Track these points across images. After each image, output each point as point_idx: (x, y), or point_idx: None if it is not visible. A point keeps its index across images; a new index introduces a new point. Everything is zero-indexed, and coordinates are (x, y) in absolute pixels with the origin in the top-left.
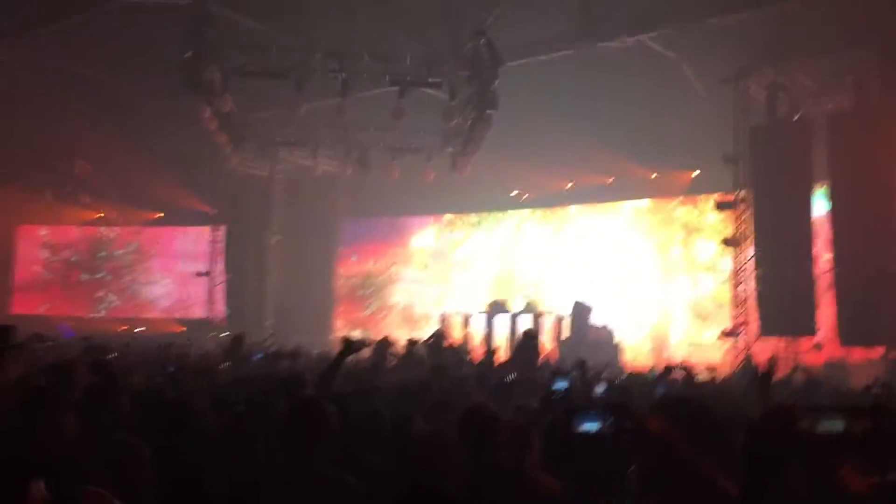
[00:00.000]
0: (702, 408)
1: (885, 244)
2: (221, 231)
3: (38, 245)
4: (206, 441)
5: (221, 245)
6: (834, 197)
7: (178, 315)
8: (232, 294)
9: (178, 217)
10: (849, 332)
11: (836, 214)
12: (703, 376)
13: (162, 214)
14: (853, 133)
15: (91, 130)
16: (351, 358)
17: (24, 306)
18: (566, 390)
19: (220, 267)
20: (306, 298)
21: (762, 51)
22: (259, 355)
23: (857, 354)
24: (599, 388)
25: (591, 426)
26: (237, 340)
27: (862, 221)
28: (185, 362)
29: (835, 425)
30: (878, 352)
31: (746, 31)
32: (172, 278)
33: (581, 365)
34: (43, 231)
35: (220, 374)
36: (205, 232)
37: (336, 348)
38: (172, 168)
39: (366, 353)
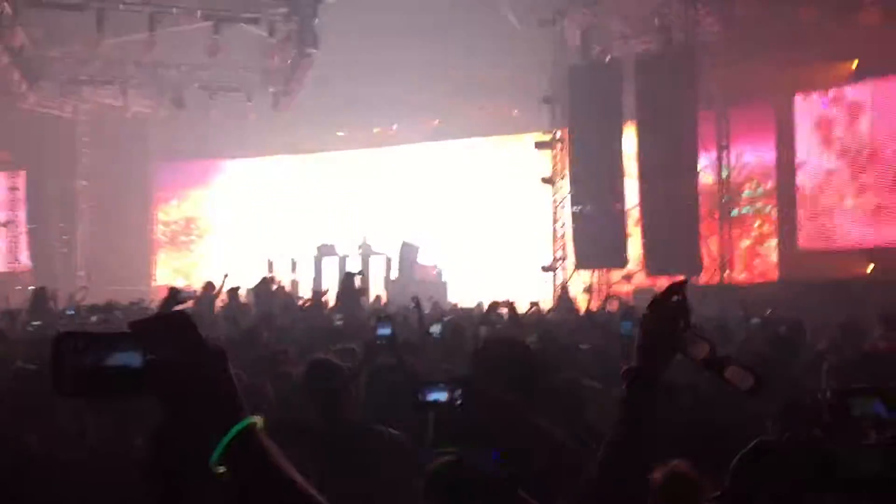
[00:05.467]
0: (521, 349)
1: (684, 180)
2: (21, 177)
3: None
4: None
5: (22, 192)
6: (640, 135)
7: None
8: (37, 245)
9: None
10: (653, 262)
11: (641, 152)
12: (525, 310)
13: None
14: (658, 74)
15: None
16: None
17: None
18: (389, 336)
19: (21, 216)
20: (121, 247)
21: None
22: (71, 310)
23: (663, 282)
24: (435, 329)
25: (438, 396)
26: (39, 293)
27: (664, 159)
28: None
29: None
30: (680, 278)
31: None
32: None
33: (417, 303)
34: None
35: (23, 333)
36: (1, 178)
37: (158, 298)
38: None
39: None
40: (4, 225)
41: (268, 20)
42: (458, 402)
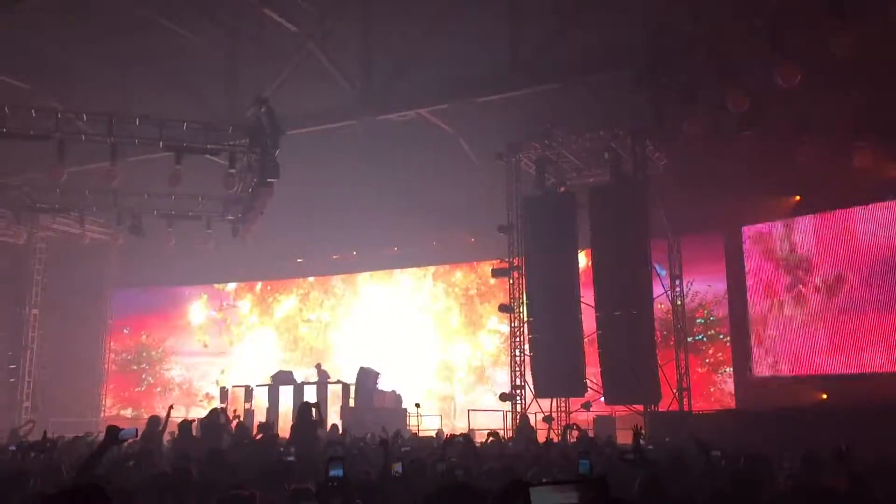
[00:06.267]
0: (477, 496)
1: (640, 308)
2: None
3: None
4: None
5: None
6: (595, 264)
7: None
8: None
9: None
10: (611, 392)
11: (597, 281)
12: (483, 440)
13: None
14: (610, 205)
15: None
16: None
17: None
18: (342, 478)
19: None
20: (71, 376)
21: (530, 128)
22: (12, 447)
23: (621, 409)
24: (398, 468)
25: None
26: None
27: (619, 288)
28: None
29: (569, 497)
30: (639, 407)
31: (516, 109)
32: None
33: (384, 441)
34: None
35: None
36: None
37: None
38: None
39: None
40: None
41: (229, 151)
42: None
